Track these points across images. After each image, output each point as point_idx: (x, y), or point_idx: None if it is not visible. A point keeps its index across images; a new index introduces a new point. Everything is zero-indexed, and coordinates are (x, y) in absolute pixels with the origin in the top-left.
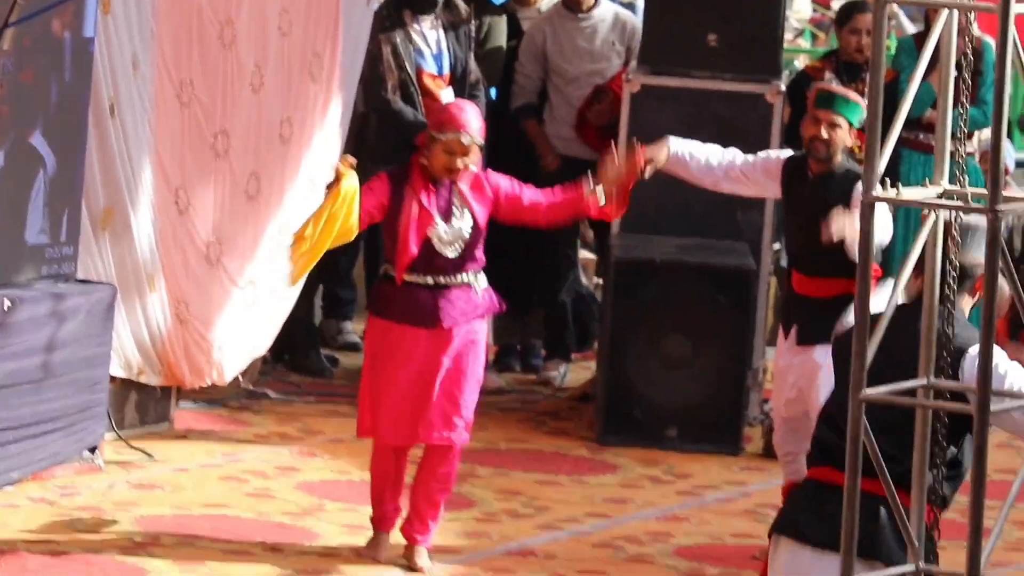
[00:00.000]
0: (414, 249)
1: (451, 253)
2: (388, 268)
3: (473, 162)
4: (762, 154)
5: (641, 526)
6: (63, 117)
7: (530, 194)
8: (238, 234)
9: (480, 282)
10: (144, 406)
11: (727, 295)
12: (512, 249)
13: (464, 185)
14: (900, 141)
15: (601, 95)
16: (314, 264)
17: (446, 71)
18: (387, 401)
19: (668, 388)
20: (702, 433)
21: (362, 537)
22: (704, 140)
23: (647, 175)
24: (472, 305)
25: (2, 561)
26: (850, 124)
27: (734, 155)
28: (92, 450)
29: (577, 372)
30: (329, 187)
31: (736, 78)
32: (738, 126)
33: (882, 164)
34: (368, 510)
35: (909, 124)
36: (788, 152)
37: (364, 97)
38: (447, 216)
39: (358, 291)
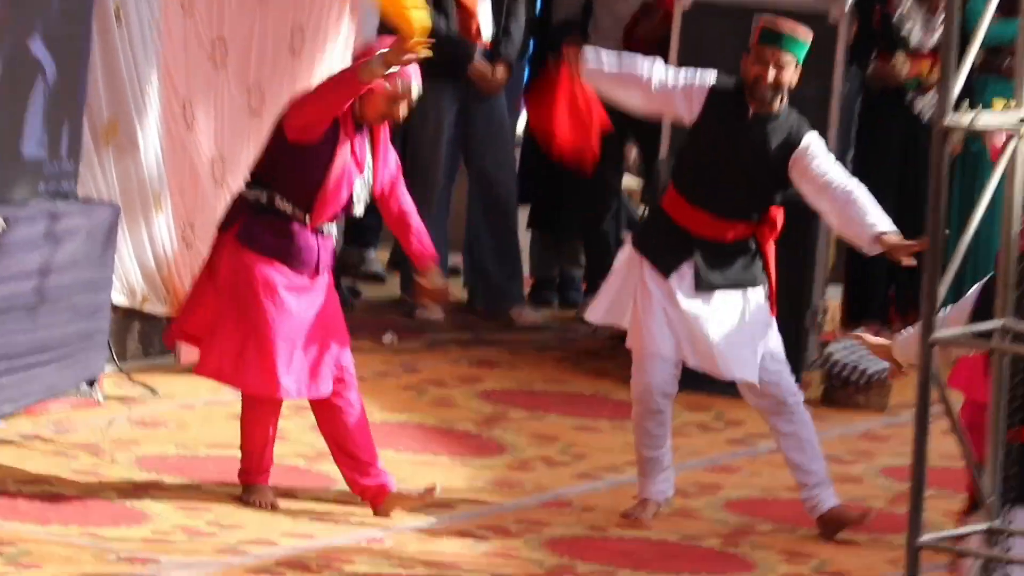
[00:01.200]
0: (342, 201)
1: (360, 210)
2: (281, 201)
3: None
4: (682, 75)
5: (687, 477)
6: (65, 22)
7: (399, 198)
8: (241, 152)
9: (334, 232)
10: (148, 337)
11: (786, 229)
12: (548, 173)
13: (382, 137)
14: (983, 67)
15: (650, 11)
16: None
17: None
18: (288, 353)
19: None
20: None
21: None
22: None
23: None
24: (332, 256)
25: None
26: (797, 62)
27: (650, 75)
28: (91, 383)
29: None
30: None
31: None
32: None
33: (958, 87)
34: (389, 453)
35: (993, 49)
36: (712, 77)
37: None
38: (361, 167)
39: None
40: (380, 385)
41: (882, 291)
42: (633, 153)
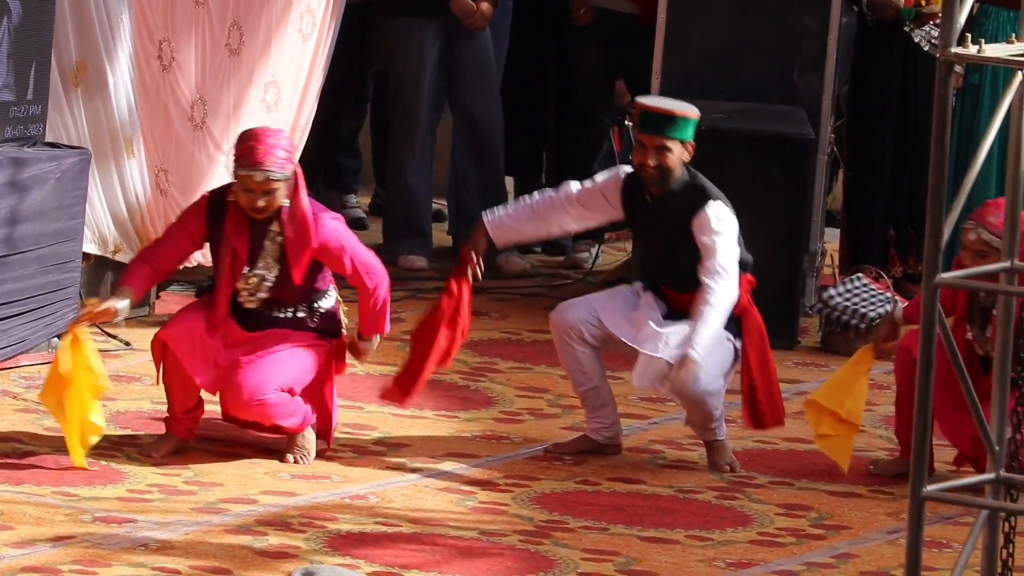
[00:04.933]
0: (223, 307)
1: (251, 304)
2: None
3: (280, 198)
4: (598, 178)
5: (682, 429)
6: None
7: (353, 280)
8: (221, 94)
9: (319, 308)
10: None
11: (782, 168)
12: (534, 111)
13: (289, 229)
14: None
15: None
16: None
17: None
18: (183, 316)
19: None
20: None
21: (368, 437)
22: None
23: (480, 272)
24: (303, 328)
25: None
26: (682, 141)
27: (566, 192)
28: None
29: (610, 253)
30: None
31: None
32: None
33: (962, 19)
34: (373, 407)
35: None
36: (626, 169)
37: None
38: (253, 262)
39: (363, 160)
40: None
41: (881, 233)
42: (621, 83)
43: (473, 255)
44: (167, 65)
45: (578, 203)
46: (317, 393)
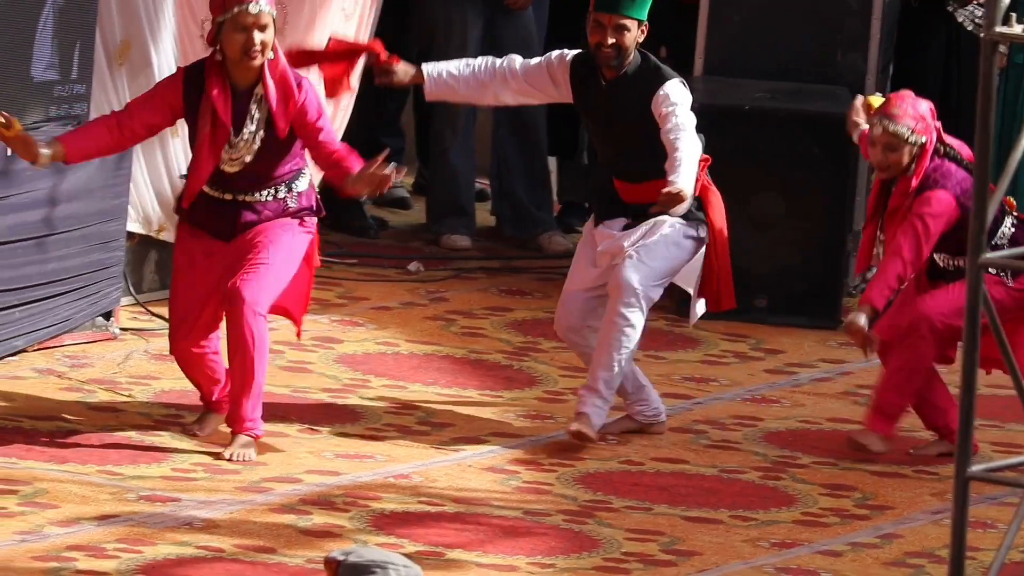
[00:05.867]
0: (206, 171)
1: (231, 168)
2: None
3: (271, 39)
4: (544, 58)
5: (725, 409)
6: None
7: (324, 137)
8: None
9: (296, 187)
10: (165, 267)
11: (824, 147)
12: None
13: (272, 88)
14: None
15: None
16: None
17: None
18: (181, 306)
19: (756, 252)
20: (795, 304)
21: (412, 418)
22: None
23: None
24: (283, 214)
25: (5, 439)
26: (638, 21)
27: (509, 63)
28: (106, 316)
29: None
30: None
31: None
32: None
33: None
34: (416, 386)
35: None
36: (573, 52)
37: None
38: (238, 127)
39: (407, 139)
40: (406, 315)
41: None
42: (663, 55)
43: (389, 66)
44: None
45: (522, 78)
46: (301, 285)
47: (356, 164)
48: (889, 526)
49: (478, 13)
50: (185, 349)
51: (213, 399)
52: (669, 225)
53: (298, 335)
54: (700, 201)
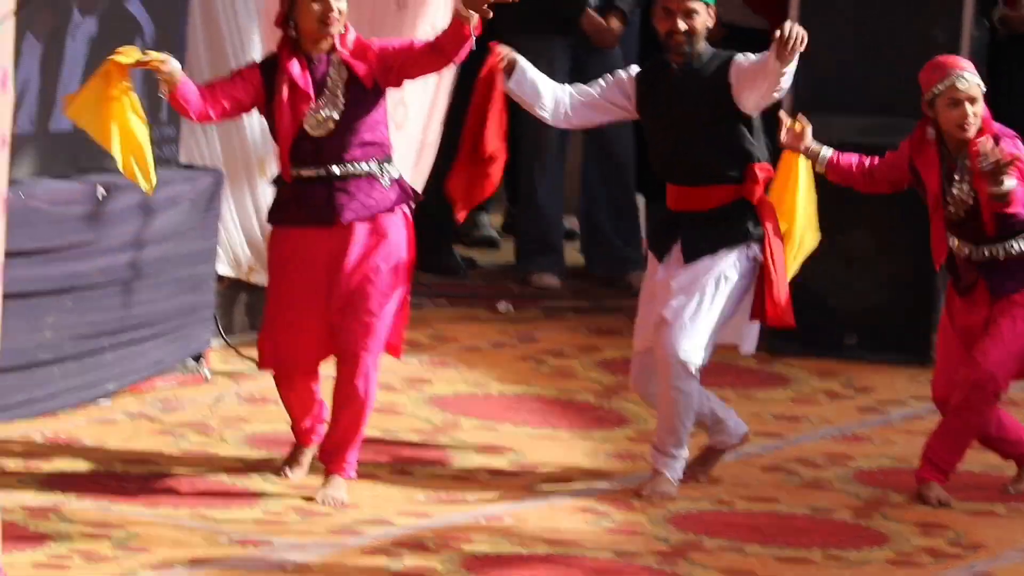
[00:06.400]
0: (290, 137)
1: (319, 131)
2: (279, 168)
3: (345, 7)
4: (610, 77)
5: (816, 447)
6: None
7: (404, 43)
8: None
9: (388, 171)
10: (255, 309)
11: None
12: None
13: (346, 51)
14: None
15: None
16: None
17: None
18: (285, 321)
19: (847, 289)
20: (886, 341)
21: (503, 459)
22: (888, 5)
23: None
24: (378, 197)
25: (98, 484)
26: (706, 4)
27: (578, 87)
28: (197, 358)
29: None
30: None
31: None
32: None
33: None
34: (507, 427)
35: None
36: (635, 68)
37: None
38: (319, 90)
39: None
40: (497, 356)
41: None
42: None
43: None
44: None
45: (595, 93)
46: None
47: (446, 34)
48: (983, 565)
49: (565, 51)
50: (288, 375)
51: (303, 427)
52: (723, 259)
53: (397, 356)
54: (756, 217)
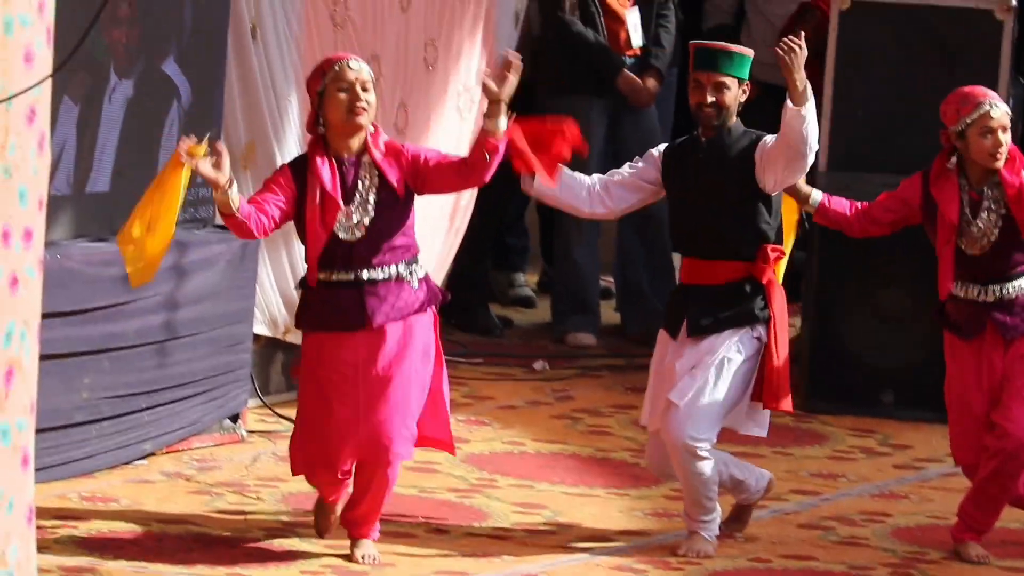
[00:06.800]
0: (320, 242)
1: (351, 236)
2: (308, 271)
3: (374, 102)
4: (637, 160)
5: (854, 504)
6: (199, 41)
7: (437, 156)
8: None
9: (416, 272)
10: (291, 368)
11: None
12: None
13: (377, 153)
14: None
15: (807, 14)
16: (153, 270)
17: None
18: (317, 427)
19: (883, 347)
20: (923, 398)
21: (539, 516)
22: (923, 65)
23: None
24: (407, 299)
25: (135, 544)
26: (739, 79)
27: (609, 175)
28: (234, 419)
29: None
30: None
31: None
32: (962, 49)
33: None
34: (544, 485)
35: None
36: (664, 145)
37: (539, 18)
38: (350, 195)
39: (531, 238)
40: (532, 414)
41: None
42: None
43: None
44: None
45: (627, 179)
46: (434, 403)
47: (474, 150)
48: None
49: (602, 111)
50: (319, 476)
51: (330, 500)
52: (728, 339)
53: (452, 452)
54: (765, 298)
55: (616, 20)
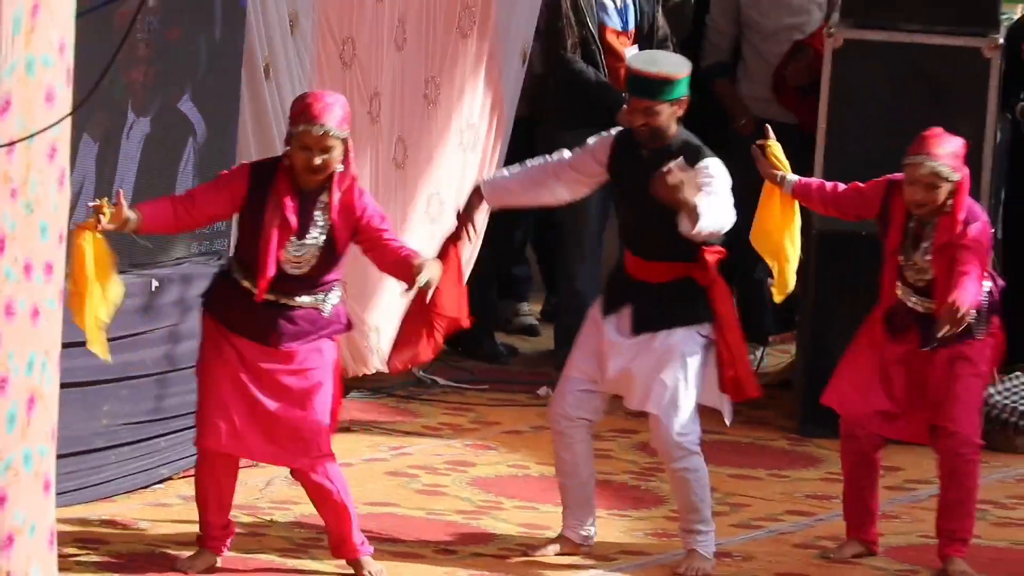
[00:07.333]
0: (271, 271)
1: (293, 270)
2: (236, 270)
3: (336, 159)
4: (589, 141)
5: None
6: (213, 79)
7: (388, 239)
8: (388, 205)
9: (330, 300)
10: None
11: None
12: None
13: (337, 195)
14: None
15: (800, 52)
16: (101, 322)
17: (631, 27)
18: (213, 403)
19: None
20: None
21: (543, 538)
22: (913, 101)
23: (472, 237)
24: (319, 324)
25: (153, 565)
26: (670, 102)
27: (559, 155)
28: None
29: (775, 356)
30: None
31: (949, 31)
32: (951, 85)
33: None
34: (548, 507)
35: None
36: (617, 129)
37: (542, 56)
38: (303, 231)
39: (532, 267)
40: (537, 439)
41: None
42: None
43: (466, 219)
44: None
45: (570, 168)
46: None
47: (417, 257)
48: None
49: None
50: (217, 453)
51: (212, 533)
52: (679, 337)
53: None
54: (706, 297)
55: (616, 57)
